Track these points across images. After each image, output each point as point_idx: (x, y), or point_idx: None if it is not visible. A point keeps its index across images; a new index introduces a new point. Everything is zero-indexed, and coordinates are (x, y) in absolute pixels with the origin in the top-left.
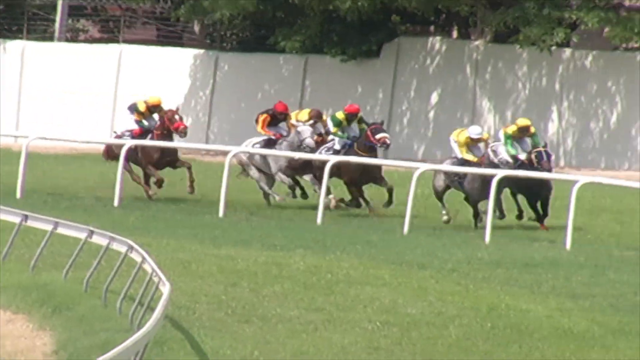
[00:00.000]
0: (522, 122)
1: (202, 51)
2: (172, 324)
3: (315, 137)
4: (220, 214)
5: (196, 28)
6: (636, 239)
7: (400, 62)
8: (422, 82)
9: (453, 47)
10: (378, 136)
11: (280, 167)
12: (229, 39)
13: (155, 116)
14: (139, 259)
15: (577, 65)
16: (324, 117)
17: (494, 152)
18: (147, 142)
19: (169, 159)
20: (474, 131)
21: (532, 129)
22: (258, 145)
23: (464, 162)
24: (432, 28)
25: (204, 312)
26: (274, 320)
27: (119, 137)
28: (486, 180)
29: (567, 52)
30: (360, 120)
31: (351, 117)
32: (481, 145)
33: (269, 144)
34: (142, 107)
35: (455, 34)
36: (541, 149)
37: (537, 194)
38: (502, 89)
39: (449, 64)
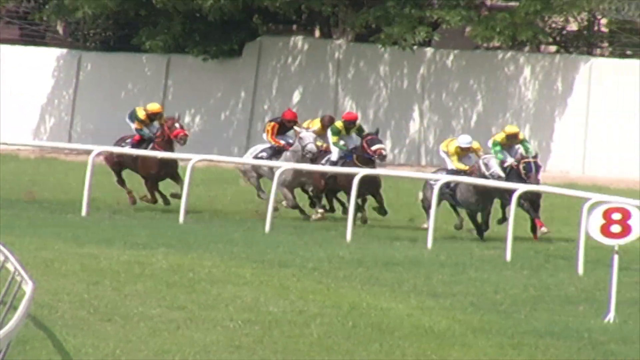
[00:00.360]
0: (510, 129)
1: (65, 50)
2: (34, 322)
3: (324, 145)
4: (84, 212)
5: (59, 27)
6: (497, 237)
7: (262, 61)
8: (284, 81)
9: (315, 46)
10: (374, 148)
11: (284, 180)
12: (92, 39)
13: (156, 124)
14: (1, 258)
15: (439, 64)
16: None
17: (486, 165)
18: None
19: (169, 170)
20: (463, 140)
21: (521, 135)
22: (264, 154)
23: (456, 173)
24: (294, 27)
25: (67, 311)
26: (136, 318)
27: (119, 143)
28: (479, 189)
29: (429, 51)
30: (360, 130)
31: (349, 125)
32: (472, 154)
33: (277, 153)
34: (141, 115)
35: (317, 33)
36: (530, 159)
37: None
38: (364, 88)
39: (311, 63)
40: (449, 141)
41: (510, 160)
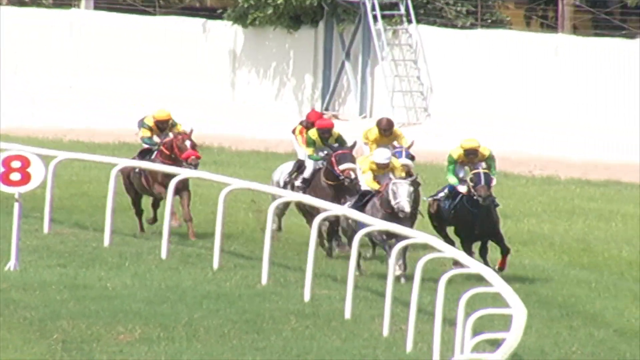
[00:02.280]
0: (468, 143)
1: None
2: None
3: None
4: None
5: None
6: None
7: None
8: None
9: None
10: (342, 167)
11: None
12: None
13: (171, 134)
14: None
15: None
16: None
17: (394, 192)
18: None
19: (179, 185)
20: (380, 156)
21: (485, 151)
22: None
23: (365, 194)
24: None
25: None
26: None
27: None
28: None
29: None
30: (339, 139)
31: (324, 133)
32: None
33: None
34: (150, 123)
35: None
36: (480, 170)
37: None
38: None
39: None
40: (364, 158)
41: (463, 189)
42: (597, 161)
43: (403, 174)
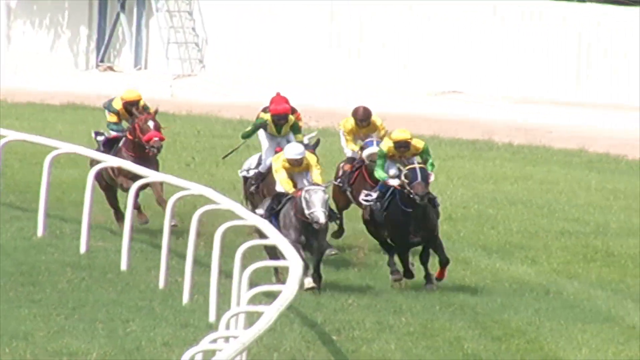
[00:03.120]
0: (398, 134)
1: None
2: None
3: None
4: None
5: None
6: None
7: None
8: None
9: None
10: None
11: None
12: None
13: (150, 124)
14: None
15: None
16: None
17: (307, 201)
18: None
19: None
20: (293, 151)
21: (419, 144)
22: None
23: (281, 197)
24: None
25: None
26: None
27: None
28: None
29: None
30: (296, 128)
31: (279, 120)
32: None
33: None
34: (117, 105)
35: None
36: (416, 165)
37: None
38: None
39: None
40: (277, 156)
41: (394, 182)
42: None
43: (318, 173)
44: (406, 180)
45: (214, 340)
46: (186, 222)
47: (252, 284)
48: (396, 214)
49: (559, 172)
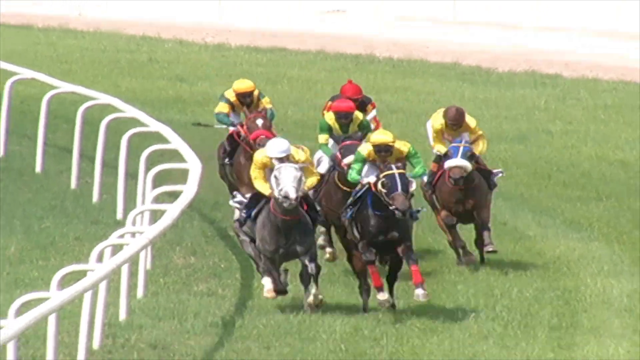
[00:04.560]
0: (378, 138)
1: None
2: None
3: None
4: None
5: None
6: None
7: None
8: None
9: None
10: (347, 160)
11: None
12: None
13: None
14: None
15: None
16: None
17: (277, 179)
18: None
19: None
20: (276, 148)
21: (404, 148)
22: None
23: (259, 197)
24: None
25: None
26: None
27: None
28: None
29: None
30: (362, 126)
31: (341, 118)
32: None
33: None
34: (230, 96)
35: None
36: (394, 171)
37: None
38: None
39: None
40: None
41: (371, 179)
42: (264, 29)
43: (315, 173)
44: (384, 190)
45: (122, 236)
46: (96, 128)
47: (155, 185)
48: (364, 216)
49: (435, 83)
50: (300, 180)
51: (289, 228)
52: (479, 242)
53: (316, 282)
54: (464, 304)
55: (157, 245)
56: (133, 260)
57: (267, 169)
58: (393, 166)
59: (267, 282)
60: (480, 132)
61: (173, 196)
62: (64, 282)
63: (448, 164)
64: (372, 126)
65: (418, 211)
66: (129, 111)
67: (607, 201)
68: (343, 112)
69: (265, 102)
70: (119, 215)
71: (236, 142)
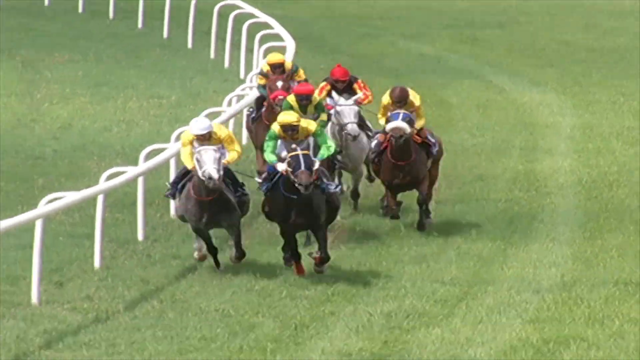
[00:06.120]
0: (283, 118)
1: None
2: None
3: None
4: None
5: None
6: None
7: None
8: None
9: None
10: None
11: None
12: None
13: (279, 84)
14: None
15: None
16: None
17: (198, 161)
18: None
19: None
20: (197, 126)
21: (311, 127)
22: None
23: (186, 173)
24: None
25: None
26: None
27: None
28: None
29: None
30: (318, 107)
31: (302, 100)
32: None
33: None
34: (265, 68)
35: None
36: (299, 152)
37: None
38: None
39: None
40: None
41: (282, 167)
42: None
43: (236, 149)
44: (289, 169)
45: (243, 89)
46: None
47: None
48: (278, 198)
49: None
50: (220, 160)
51: (210, 204)
52: (419, 215)
53: (238, 245)
54: None
55: None
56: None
57: (193, 147)
58: (298, 148)
59: (196, 248)
60: (422, 110)
61: None
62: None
63: (389, 126)
64: (362, 96)
65: (337, 186)
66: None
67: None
68: (304, 94)
69: (299, 76)
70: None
71: (262, 104)
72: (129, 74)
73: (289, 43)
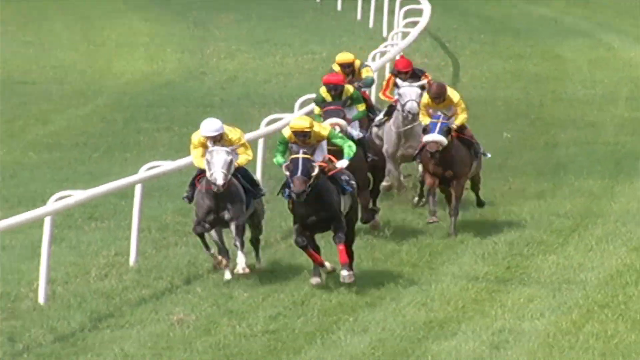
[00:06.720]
0: (295, 124)
1: None
2: None
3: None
4: None
5: None
6: None
7: None
8: None
9: None
10: (328, 122)
11: (387, 151)
12: None
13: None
14: None
15: None
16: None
17: (208, 162)
18: None
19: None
20: (208, 127)
21: (324, 132)
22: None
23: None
24: None
25: None
26: None
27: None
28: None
29: None
30: (354, 97)
31: (331, 90)
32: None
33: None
34: (336, 68)
35: None
36: (299, 155)
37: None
38: None
39: None
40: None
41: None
42: None
43: (247, 153)
44: (287, 173)
45: (386, 46)
46: None
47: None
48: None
49: None
50: (230, 164)
51: (218, 196)
52: (449, 212)
53: (242, 247)
54: None
55: None
56: None
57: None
58: (301, 150)
59: (209, 254)
60: (462, 105)
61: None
62: None
63: (425, 138)
64: (426, 83)
65: (347, 185)
66: None
67: None
68: (332, 84)
69: (365, 72)
70: (384, 34)
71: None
72: (286, 33)
73: (425, 5)
